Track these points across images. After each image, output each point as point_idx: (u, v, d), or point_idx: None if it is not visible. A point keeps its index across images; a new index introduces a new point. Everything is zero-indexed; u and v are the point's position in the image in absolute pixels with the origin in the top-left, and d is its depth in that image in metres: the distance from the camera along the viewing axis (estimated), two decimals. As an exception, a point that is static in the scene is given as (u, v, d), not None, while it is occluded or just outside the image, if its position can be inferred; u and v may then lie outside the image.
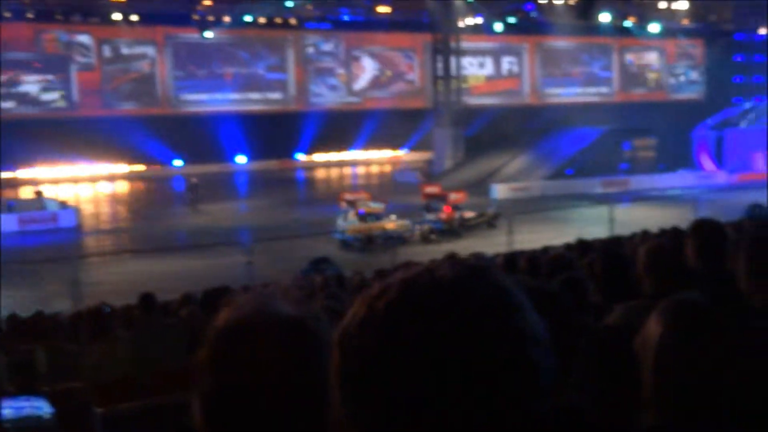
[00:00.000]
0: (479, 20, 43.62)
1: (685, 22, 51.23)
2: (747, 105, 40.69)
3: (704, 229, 3.61)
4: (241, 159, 46.97)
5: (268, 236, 19.22)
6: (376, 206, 22.99)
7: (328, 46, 52.00)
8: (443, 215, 23.46)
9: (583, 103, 57.55)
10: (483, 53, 55.31)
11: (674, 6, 47.88)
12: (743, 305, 2.21)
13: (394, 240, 21.37)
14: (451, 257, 6.10)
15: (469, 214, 23.99)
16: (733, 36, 54.70)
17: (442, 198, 24.71)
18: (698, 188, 28.50)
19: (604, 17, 46.82)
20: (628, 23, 46.86)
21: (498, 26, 44.96)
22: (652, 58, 62.35)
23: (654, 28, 49.80)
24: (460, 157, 39.16)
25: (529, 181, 32.56)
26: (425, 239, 22.25)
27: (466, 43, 42.71)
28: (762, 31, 53.13)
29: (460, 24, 41.57)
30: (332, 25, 47.47)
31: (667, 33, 52.79)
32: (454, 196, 24.75)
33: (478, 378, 0.77)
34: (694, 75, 63.67)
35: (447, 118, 40.13)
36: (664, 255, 3.41)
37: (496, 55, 56.70)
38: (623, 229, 17.59)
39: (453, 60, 40.41)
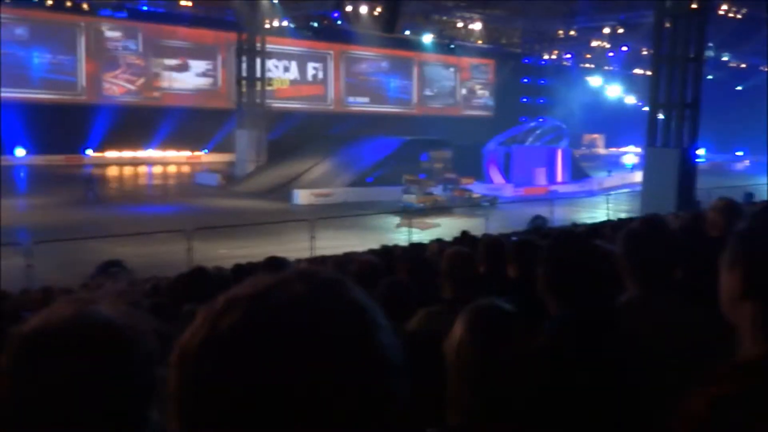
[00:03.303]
0: (285, 23, 43.42)
1: (479, 42, 54.44)
2: (532, 124, 43.96)
3: (487, 241, 4.19)
4: (20, 152, 43.25)
5: (51, 237, 17.63)
6: (430, 182, 31.12)
7: (123, 37, 49.32)
8: (457, 193, 31.09)
9: (384, 113, 59.41)
10: (288, 57, 55.33)
11: (470, 26, 50.77)
12: (541, 311, 2.27)
13: (441, 207, 28.67)
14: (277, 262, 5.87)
15: (475, 195, 31.12)
16: (521, 59, 58.93)
17: (455, 181, 32.25)
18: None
19: (406, 32, 48.59)
20: (428, 39, 48.85)
21: (304, 31, 45.01)
22: (448, 74, 65.73)
23: (451, 45, 52.48)
24: (263, 161, 38.66)
25: (331, 188, 32.81)
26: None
27: (271, 46, 42.32)
28: (546, 56, 57.94)
29: (266, 26, 41.11)
30: (129, 14, 44.87)
31: (462, 52, 55.86)
32: (465, 180, 32.46)
33: (329, 408, 0.69)
34: (486, 93, 68.00)
35: (250, 121, 39.44)
36: (461, 262, 3.51)
37: (302, 60, 56.98)
38: (420, 238, 18.23)
39: (258, 61, 39.84)
